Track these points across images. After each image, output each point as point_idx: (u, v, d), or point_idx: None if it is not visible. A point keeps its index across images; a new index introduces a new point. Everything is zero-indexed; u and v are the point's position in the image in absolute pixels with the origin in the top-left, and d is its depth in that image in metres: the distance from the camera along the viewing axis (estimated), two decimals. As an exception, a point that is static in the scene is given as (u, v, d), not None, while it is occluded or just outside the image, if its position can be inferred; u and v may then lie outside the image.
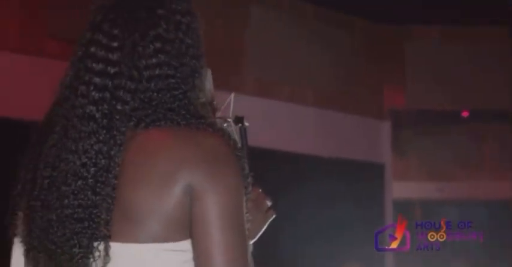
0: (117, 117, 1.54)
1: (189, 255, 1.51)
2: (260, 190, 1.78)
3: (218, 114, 1.78)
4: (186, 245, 1.51)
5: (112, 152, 1.52)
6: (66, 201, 1.53)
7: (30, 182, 1.59)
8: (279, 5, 7.30)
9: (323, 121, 7.48)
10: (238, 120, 1.84)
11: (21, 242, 1.60)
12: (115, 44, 1.57)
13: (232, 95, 1.81)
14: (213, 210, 1.49)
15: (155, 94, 1.56)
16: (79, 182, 1.52)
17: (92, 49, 1.58)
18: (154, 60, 1.57)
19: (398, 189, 8.50)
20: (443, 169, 8.83)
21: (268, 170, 6.85)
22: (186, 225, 1.50)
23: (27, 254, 1.58)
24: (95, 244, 1.51)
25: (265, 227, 1.76)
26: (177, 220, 1.50)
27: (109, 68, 1.56)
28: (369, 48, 7.93)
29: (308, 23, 7.46)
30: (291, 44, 7.32)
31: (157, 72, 1.56)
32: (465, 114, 8.50)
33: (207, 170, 1.50)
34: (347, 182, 7.29)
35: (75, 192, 1.52)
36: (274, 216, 1.78)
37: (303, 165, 7.19)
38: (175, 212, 1.49)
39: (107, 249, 1.50)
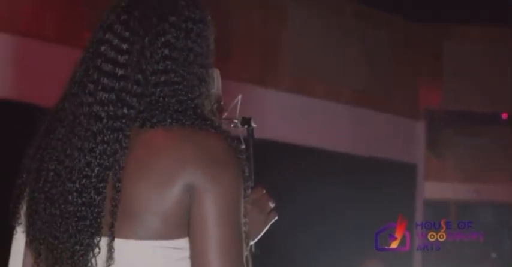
0: (123, 121, 1.57)
1: (186, 253, 1.54)
2: (264, 191, 1.79)
3: (225, 115, 1.80)
4: (183, 243, 1.54)
5: (117, 156, 1.55)
6: (70, 197, 1.56)
7: (35, 173, 1.62)
8: (317, 3, 7.29)
9: (357, 119, 7.46)
10: (246, 121, 1.85)
11: (24, 232, 1.64)
12: (124, 46, 1.59)
13: (240, 97, 1.83)
14: (210, 210, 1.52)
15: (161, 99, 1.58)
16: (83, 181, 1.56)
17: (103, 48, 1.60)
18: (161, 66, 1.59)
19: (434, 189, 8.44)
20: (480, 170, 8.75)
21: (300, 167, 6.86)
22: (184, 224, 1.53)
23: (30, 244, 1.62)
24: (96, 241, 1.55)
25: (266, 228, 1.77)
26: (175, 218, 1.53)
27: (117, 70, 1.58)
28: (406, 46, 7.88)
29: (345, 21, 7.44)
30: (328, 41, 7.30)
31: (163, 78, 1.59)
32: (505, 116, 8.41)
33: (208, 171, 1.53)
34: (378, 181, 7.27)
35: (79, 190, 1.56)
36: (276, 218, 1.79)
37: (336, 163, 7.18)
38: (175, 210, 1.52)
39: (110, 251, 1.53)
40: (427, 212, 8.38)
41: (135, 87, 1.58)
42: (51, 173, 1.59)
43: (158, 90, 1.58)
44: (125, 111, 1.57)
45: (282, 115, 6.98)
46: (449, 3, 7.27)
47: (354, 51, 7.46)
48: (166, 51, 1.59)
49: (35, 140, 1.66)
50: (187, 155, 1.53)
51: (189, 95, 1.60)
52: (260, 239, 1.78)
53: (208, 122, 1.57)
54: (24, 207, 1.64)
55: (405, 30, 7.88)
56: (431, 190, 8.42)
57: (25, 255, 1.66)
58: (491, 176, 8.72)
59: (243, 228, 1.55)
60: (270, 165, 6.61)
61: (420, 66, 7.93)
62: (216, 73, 1.81)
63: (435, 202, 8.65)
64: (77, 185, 1.56)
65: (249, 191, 1.59)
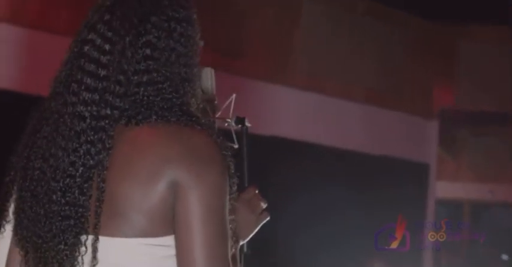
0: (107, 121, 1.57)
1: (172, 250, 1.54)
2: (256, 191, 1.78)
3: (218, 114, 1.79)
4: (169, 240, 1.54)
5: (101, 156, 1.55)
6: (54, 197, 1.57)
7: (22, 171, 1.63)
8: (330, 1, 7.27)
9: (369, 118, 7.44)
10: (240, 120, 1.84)
11: (12, 230, 1.64)
12: (107, 47, 1.59)
13: (234, 96, 1.81)
14: (195, 207, 1.52)
15: (145, 98, 1.59)
16: (67, 180, 1.56)
17: (86, 48, 1.61)
18: (142, 66, 1.59)
19: (446, 189, 8.42)
20: (492, 170, 8.72)
21: (312, 164, 6.84)
22: (169, 221, 1.53)
23: (17, 242, 1.62)
24: (82, 240, 1.55)
25: (257, 228, 1.76)
26: (160, 215, 1.53)
27: (100, 70, 1.59)
28: (420, 45, 7.85)
29: (360, 19, 7.42)
30: (340, 39, 7.28)
31: (145, 78, 1.59)
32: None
33: (192, 168, 1.52)
34: (390, 180, 7.25)
35: (63, 189, 1.56)
36: (267, 218, 1.77)
37: (347, 161, 7.16)
38: (159, 207, 1.52)
39: (94, 252, 1.53)
40: (440, 211, 8.35)
41: (117, 87, 1.58)
42: (37, 172, 1.60)
43: (141, 89, 1.58)
44: (108, 111, 1.57)
45: (294, 112, 6.96)
46: (464, 2, 7.23)
47: (367, 49, 7.43)
48: (148, 51, 1.59)
49: (23, 138, 1.66)
50: (172, 153, 1.53)
51: (174, 94, 1.59)
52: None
53: (193, 118, 1.57)
54: (13, 205, 1.65)
55: (418, 29, 7.85)
56: (444, 189, 8.39)
57: (11, 252, 1.66)
58: (504, 176, 8.68)
59: (229, 226, 1.54)
60: (280, 162, 6.60)
61: (433, 65, 7.89)
62: (210, 72, 1.80)
63: (448, 201, 8.62)
64: (61, 184, 1.56)
65: (234, 188, 1.59)
